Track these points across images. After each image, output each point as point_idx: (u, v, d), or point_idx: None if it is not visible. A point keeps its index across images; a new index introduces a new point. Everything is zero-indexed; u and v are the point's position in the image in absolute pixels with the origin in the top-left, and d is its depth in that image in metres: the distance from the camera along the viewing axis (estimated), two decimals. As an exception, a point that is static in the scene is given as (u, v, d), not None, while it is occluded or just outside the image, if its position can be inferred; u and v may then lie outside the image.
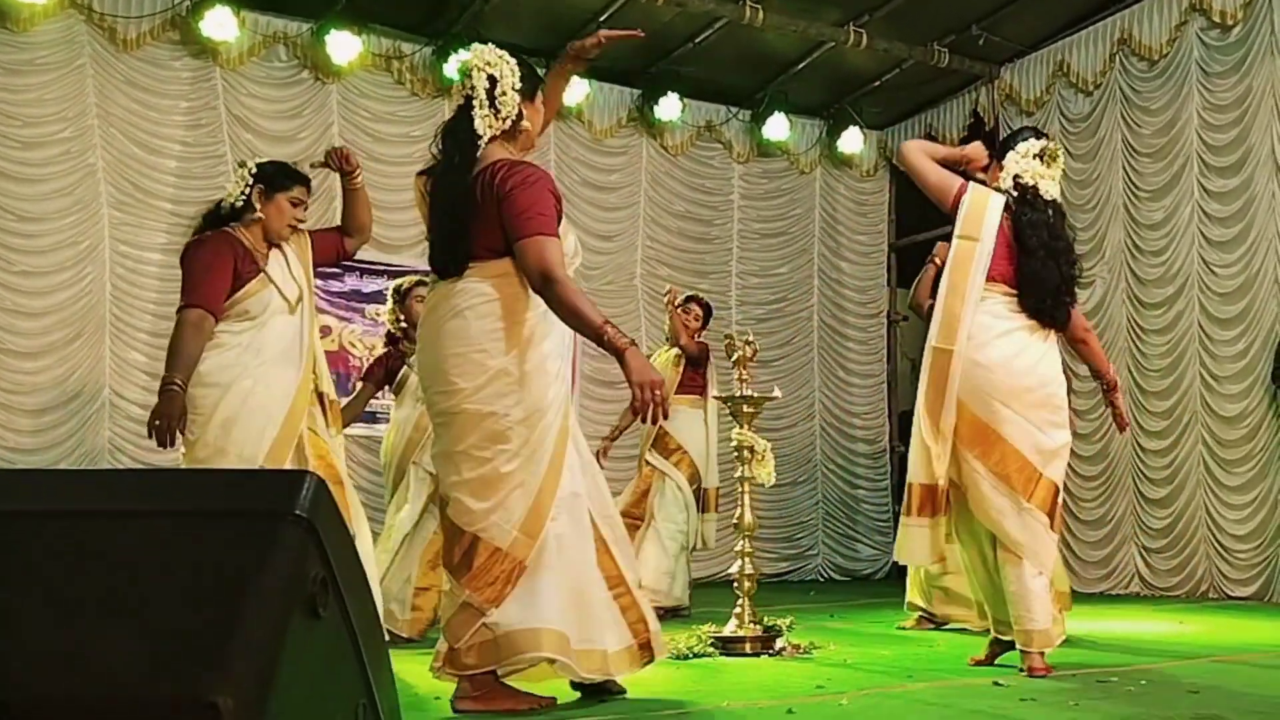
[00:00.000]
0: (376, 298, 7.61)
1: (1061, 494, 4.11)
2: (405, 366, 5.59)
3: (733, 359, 5.09)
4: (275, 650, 1.65)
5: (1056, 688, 3.73)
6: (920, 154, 4.23)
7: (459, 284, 3.33)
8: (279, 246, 4.06)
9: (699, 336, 6.69)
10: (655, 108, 8.80)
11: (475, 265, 3.32)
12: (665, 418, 3.27)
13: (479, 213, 3.30)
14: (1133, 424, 7.86)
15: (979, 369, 3.98)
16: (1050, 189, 4.15)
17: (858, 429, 9.97)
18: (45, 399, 7.09)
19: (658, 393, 3.14)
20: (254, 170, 4.05)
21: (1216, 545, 7.35)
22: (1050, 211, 4.10)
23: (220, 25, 7.32)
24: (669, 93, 8.71)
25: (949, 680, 3.96)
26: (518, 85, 3.44)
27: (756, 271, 9.75)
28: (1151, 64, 7.93)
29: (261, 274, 3.97)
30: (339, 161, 4.18)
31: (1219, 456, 7.40)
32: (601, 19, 8.09)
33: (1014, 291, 4.06)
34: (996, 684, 3.80)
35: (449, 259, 3.37)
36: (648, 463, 6.63)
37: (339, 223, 4.34)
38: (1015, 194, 4.11)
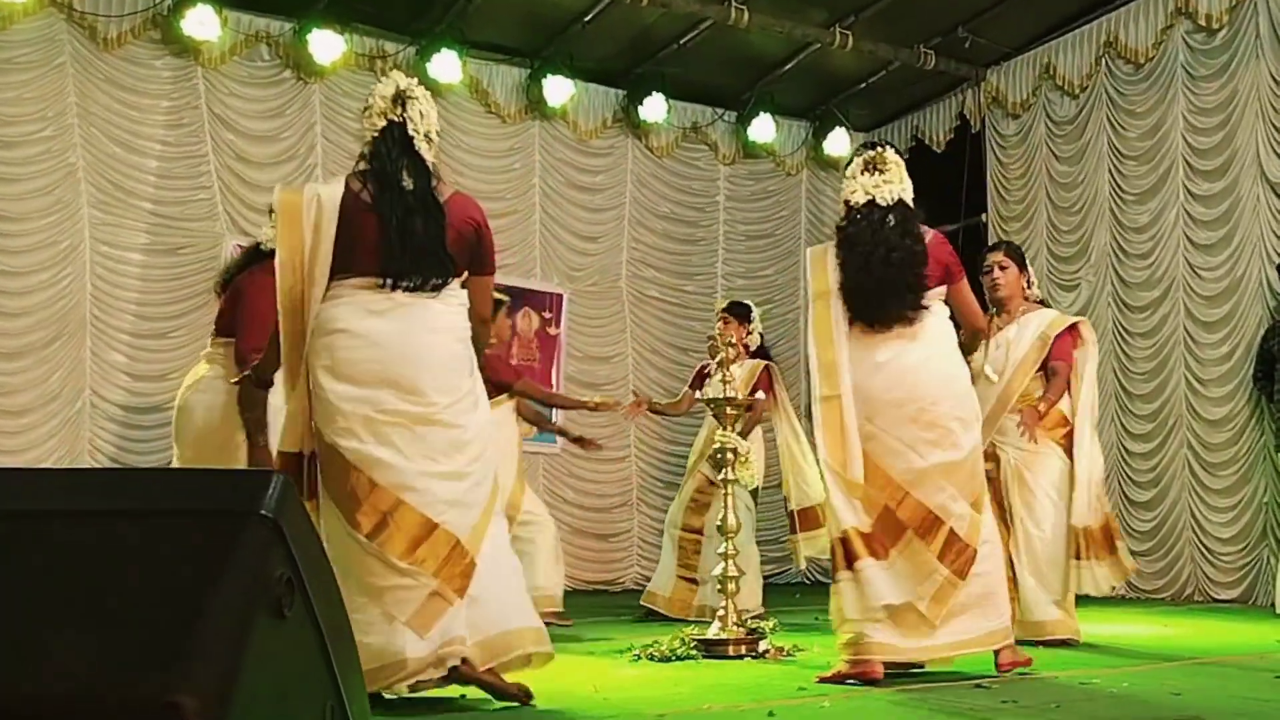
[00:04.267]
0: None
1: (946, 519, 3.88)
2: None
3: (716, 360, 5.07)
4: (238, 650, 1.62)
5: (1039, 690, 3.71)
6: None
7: (432, 303, 3.46)
8: None
9: (747, 341, 6.37)
10: (640, 109, 8.77)
11: (444, 286, 3.49)
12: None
13: (454, 238, 3.50)
14: (1118, 427, 7.88)
15: (857, 389, 3.96)
16: (888, 193, 4.06)
17: (843, 431, 9.96)
18: (25, 400, 7.03)
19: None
20: None
21: (1201, 548, 7.35)
22: (882, 216, 4.03)
23: (202, 24, 7.26)
24: (654, 94, 8.68)
25: (931, 683, 3.94)
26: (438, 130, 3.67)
27: (742, 273, 9.73)
28: (1137, 67, 7.93)
29: None
30: None
31: (1204, 460, 7.40)
32: (585, 19, 8.07)
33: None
34: (979, 686, 3.78)
35: (424, 274, 3.44)
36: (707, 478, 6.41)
37: None
38: (844, 221, 4.12)
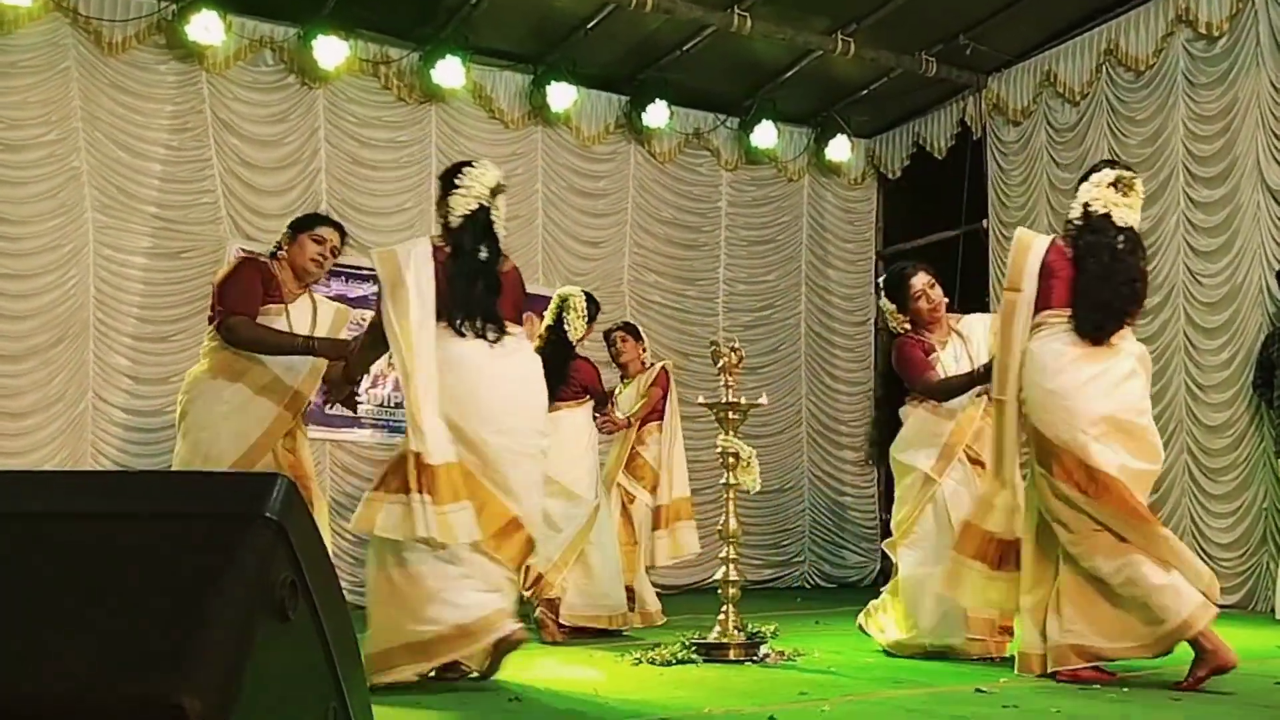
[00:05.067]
0: (362, 303, 7.56)
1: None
2: None
3: (719, 365, 5.08)
4: (242, 652, 1.63)
5: (1039, 694, 3.72)
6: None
7: (532, 357, 4.34)
8: (313, 300, 4.60)
9: (644, 358, 6.75)
10: (643, 115, 8.78)
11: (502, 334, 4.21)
12: None
13: (516, 299, 4.31)
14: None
15: (1053, 397, 4.07)
16: (1125, 216, 4.23)
17: (844, 436, 9.96)
18: (28, 402, 7.04)
19: None
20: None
21: (1201, 554, 7.32)
22: (1120, 237, 4.20)
23: (206, 29, 7.28)
24: (657, 100, 8.69)
25: (932, 687, 3.96)
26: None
27: (744, 279, 9.74)
28: (1138, 74, 7.94)
29: (283, 305, 4.43)
30: None
31: (1204, 465, 7.40)
32: (589, 26, 8.09)
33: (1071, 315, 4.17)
34: (979, 690, 3.80)
35: (486, 324, 4.16)
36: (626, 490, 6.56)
37: None
38: (1080, 222, 4.25)
